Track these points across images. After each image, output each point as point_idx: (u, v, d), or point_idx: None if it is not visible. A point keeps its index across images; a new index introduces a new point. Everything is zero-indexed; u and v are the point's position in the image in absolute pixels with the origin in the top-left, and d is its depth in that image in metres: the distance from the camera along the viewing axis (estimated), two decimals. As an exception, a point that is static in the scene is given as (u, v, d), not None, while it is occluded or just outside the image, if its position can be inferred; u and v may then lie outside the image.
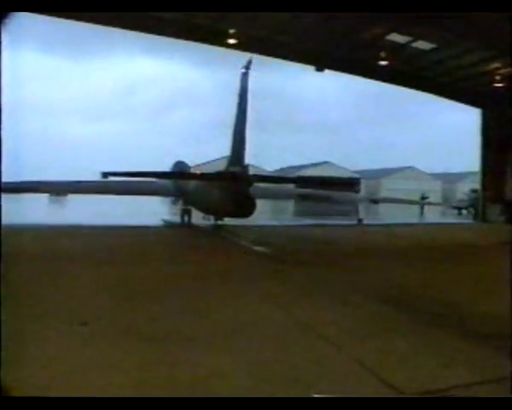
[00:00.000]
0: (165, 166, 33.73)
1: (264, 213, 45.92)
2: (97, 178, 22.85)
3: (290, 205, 56.55)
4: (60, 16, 26.85)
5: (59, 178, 29.71)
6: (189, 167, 32.86)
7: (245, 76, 24.43)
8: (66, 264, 13.80)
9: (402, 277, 13.23)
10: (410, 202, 46.77)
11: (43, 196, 34.77)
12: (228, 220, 26.30)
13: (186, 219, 29.63)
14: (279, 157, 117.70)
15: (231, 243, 21.98)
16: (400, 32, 28.66)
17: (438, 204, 46.14)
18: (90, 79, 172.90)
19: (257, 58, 32.35)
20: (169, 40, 30.78)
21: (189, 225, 28.83)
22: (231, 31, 28.61)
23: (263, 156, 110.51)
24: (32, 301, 9.01)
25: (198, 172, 29.94)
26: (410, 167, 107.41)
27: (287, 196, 34.72)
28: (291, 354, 6.76)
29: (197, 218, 29.93)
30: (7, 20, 3.94)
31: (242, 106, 24.03)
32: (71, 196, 39.39)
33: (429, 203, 45.22)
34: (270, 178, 30.64)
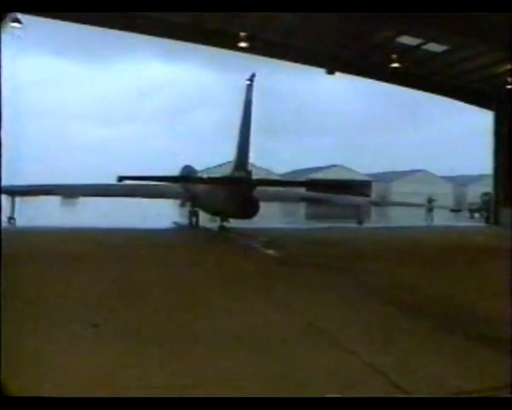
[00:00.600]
0: (177, 168, 34.54)
1: (274, 217, 46.17)
2: (110, 181, 23.78)
3: (301, 208, 56.74)
4: (75, 21, 27.17)
5: (73, 181, 30.67)
6: (197, 171, 34.34)
7: (249, 87, 25.88)
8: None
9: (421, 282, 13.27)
10: (414, 205, 46.97)
11: (51, 199, 35.35)
12: (240, 223, 27.09)
13: (194, 220, 30.85)
14: (291, 160, 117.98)
15: (244, 246, 22.20)
16: (411, 35, 28.59)
17: (443, 207, 45.74)
18: (105, 83, 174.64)
19: (268, 61, 32.80)
20: (182, 44, 31.04)
21: (204, 229, 29.48)
22: (242, 34, 28.68)
23: (274, 159, 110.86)
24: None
25: (205, 176, 32.29)
26: (421, 170, 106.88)
27: (289, 198, 35.89)
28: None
29: (203, 219, 30.90)
30: (7, 21, 4.00)
31: (247, 115, 25.47)
32: (80, 199, 40.56)
33: (435, 207, 44.81)
34: (272, 181, 32.10)
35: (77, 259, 15.39)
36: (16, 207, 27.51)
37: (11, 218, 26.70)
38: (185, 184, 30.66)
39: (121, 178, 22.64)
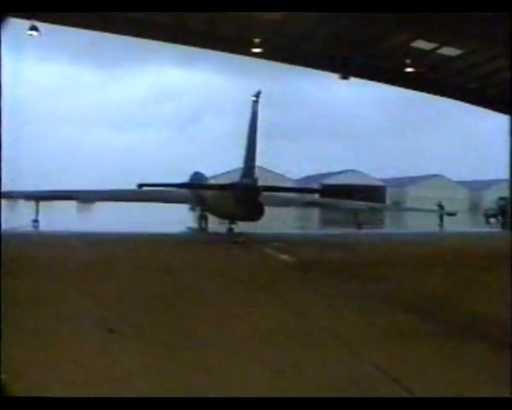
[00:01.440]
0: (188, 173, 36.01)
1: (291, 222, 46.41)
2: (125, 185, 25.04)
3: (316, 213, 57.16)
4: (92, 29, 27.53)
5: (90, 186, 32.74)
6: (206, 177, 36.72)
7: (255, 103, 28.17)
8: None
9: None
10: (421, 211, 47.86)
11: (65, 203, 36.96)
12: (254, 229, 28.59)
13: (203, 224, 33.27)
14: (307, 165, 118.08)
15: (262, 252, 22.48)
16: (426, 39, 28.53)
17: (449, 214, 45.08)
18: (120, 90, 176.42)
19: (283, 67, 33.12)
20: (197, 50, 31.32)
21: (217, 234, 30.30)
22: (256, 40, 28.81)
23: (291, 164, 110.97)
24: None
25: (214, 182, 35.74)
26: (436, 175, 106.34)
27: (292, 203, 37.92)
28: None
29: (212, 223, 33.01)
30: (7, 21, 4.07)
31: (253, 128, 27.82)
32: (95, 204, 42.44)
33: (437, 211, 44.67)
34: (276, 188, 33.10)
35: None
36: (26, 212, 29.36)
37: (35, 220, 28.96)
38: (196, 191, 32.42)
39: (141, 186, 25.86)
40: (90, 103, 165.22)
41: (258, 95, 28.31)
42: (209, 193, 30.70)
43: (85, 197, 33.12)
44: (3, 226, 26.59)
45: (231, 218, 29.09)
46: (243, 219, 27.52)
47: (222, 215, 30.27)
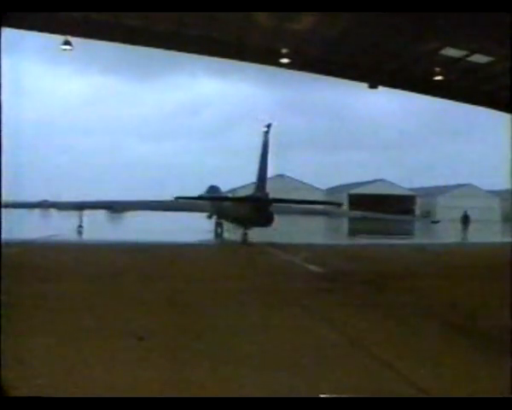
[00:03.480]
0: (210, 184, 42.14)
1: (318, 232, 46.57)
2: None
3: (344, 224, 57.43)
4: (124, 42, 28.07)
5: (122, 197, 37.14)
6: (221, 190, 42.07)
7: (266, 133, 33.04)
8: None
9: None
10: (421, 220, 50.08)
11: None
12: (279, 240, 32.15)
13: (219, 230, 38.83)
14: (338, 174, 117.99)
15: (288, 261, 22.65)
16: (455, 46, 28.28)
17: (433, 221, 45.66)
18: (154, 101, 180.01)
19: (312, 76, 33.80)
20: (227, 61, 31.58)
21: (246, 244, 32.04)
22: (284, 51, 28.95)
23: (322, 174, 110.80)
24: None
25: (230, 195, 44.36)
26: (467, 185, 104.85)
27: (303, 212, 42.95)
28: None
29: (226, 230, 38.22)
30: (7, 21, 4.23)
31: (264, 154, 33.05)
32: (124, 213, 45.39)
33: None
34: (284, 200, 36.36)
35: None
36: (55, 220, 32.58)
37: (80, 226, 32.98)
38: (216, 201, 37.43)
39: (178, 198, 31.89)
40: (125, 114, 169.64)
41: (268, 126, 32.99)
42: (228, 204, 36.24)
43: (124, 207, 37.99)
44: (53, 232, 29.51)
45: (246, 224, 32.95)
46: (255, 225, 32.17)
47: (239, 222, 34.58)
